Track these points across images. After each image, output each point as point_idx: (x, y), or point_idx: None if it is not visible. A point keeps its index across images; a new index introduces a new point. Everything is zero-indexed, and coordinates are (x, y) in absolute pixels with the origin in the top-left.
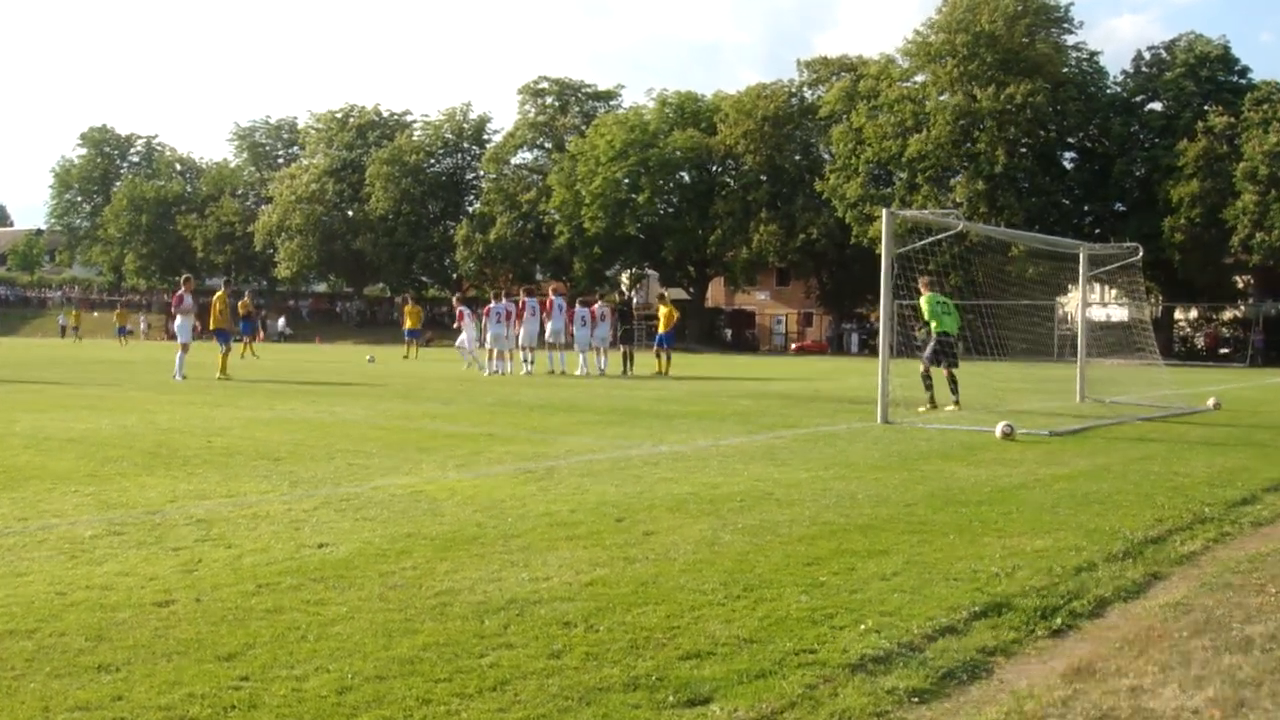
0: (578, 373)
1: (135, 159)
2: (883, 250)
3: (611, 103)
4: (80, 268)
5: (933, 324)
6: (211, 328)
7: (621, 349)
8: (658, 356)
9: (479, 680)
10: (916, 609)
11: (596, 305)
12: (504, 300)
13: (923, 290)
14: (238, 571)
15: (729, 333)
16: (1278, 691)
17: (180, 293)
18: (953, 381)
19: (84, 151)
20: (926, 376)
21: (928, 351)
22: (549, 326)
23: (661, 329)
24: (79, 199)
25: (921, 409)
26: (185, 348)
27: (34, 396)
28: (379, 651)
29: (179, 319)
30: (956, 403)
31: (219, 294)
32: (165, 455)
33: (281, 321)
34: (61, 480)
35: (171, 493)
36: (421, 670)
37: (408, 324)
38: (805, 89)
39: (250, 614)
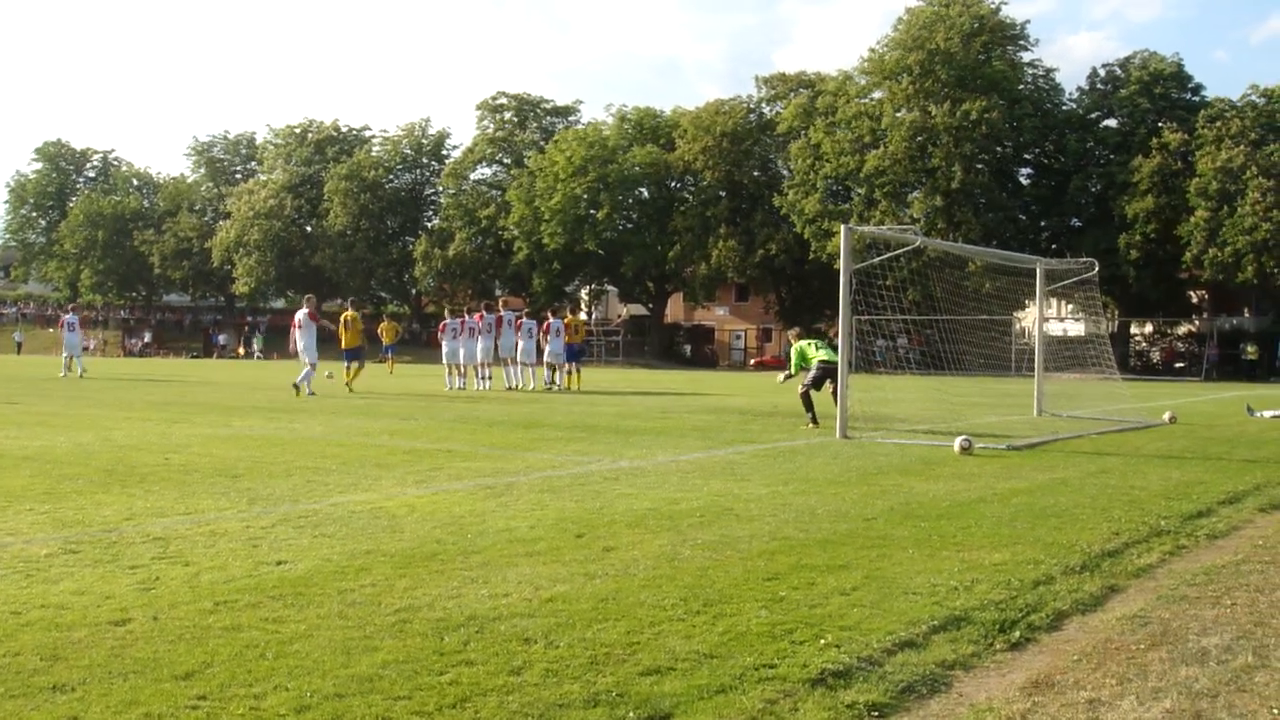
0: (530, 388)
1: (91, 174)
2: (841, 265)
3: (570, 118)
4: (36, 283)
5: (814, 360)
6: (344, 346)
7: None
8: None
9: (439, 697)
10: (876, 623)
11: (550, 320)
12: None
13: (793, 341)
14: (195, 589)
15: (688, 348)
16: (1234, 703)
17: (306, 311)
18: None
19: (39, 166)
20: (806, 398)
21: (809, 379)
22: (501, 343)
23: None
24: (34, 214)
25: (804, 426)
26: (314, 366)
27: None
28: (338, 669)
29: (303, 337)
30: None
31: (351, 314)
32: (122, 472)
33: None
34: (16, 498)
35: (128, 510)
36: (381, 688)
37: (384, 340)
38: (764, 105)
39: (208, 632)
